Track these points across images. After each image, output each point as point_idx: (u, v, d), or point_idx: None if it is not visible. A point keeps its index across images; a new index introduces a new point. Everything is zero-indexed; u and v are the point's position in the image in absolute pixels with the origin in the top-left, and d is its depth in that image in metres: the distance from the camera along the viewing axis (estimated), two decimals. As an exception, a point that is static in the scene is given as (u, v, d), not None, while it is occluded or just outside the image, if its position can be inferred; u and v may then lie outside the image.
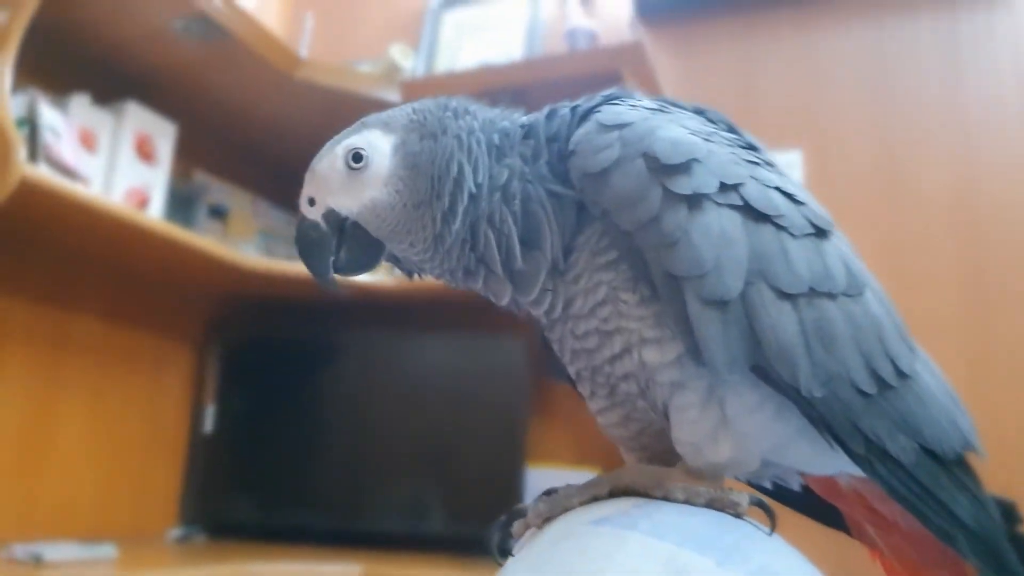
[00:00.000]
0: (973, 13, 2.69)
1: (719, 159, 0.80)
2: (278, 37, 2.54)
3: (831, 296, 0.78)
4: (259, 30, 2.43)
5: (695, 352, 0.74)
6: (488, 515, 0.87)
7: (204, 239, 2.44)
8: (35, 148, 2.03)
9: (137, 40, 2.38)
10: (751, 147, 0.88)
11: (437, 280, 0.92)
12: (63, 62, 2.38)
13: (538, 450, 2.73)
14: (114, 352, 2.57)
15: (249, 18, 2.40)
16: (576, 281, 0.84)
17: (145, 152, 2.43)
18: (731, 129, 0.90)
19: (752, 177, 0.81)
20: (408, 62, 2.78)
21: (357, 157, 0.87)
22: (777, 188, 0.82)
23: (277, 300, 2.86)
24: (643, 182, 0.77)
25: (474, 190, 0.85)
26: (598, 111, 0.84)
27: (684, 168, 0.78)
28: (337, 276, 0.89)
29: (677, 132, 0.81)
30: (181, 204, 2.64)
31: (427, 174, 0.86)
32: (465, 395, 2.72)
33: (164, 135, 2.50)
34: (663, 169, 0.78)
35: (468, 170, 0.86)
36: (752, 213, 0.79)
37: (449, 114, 0.89)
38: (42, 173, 1.92)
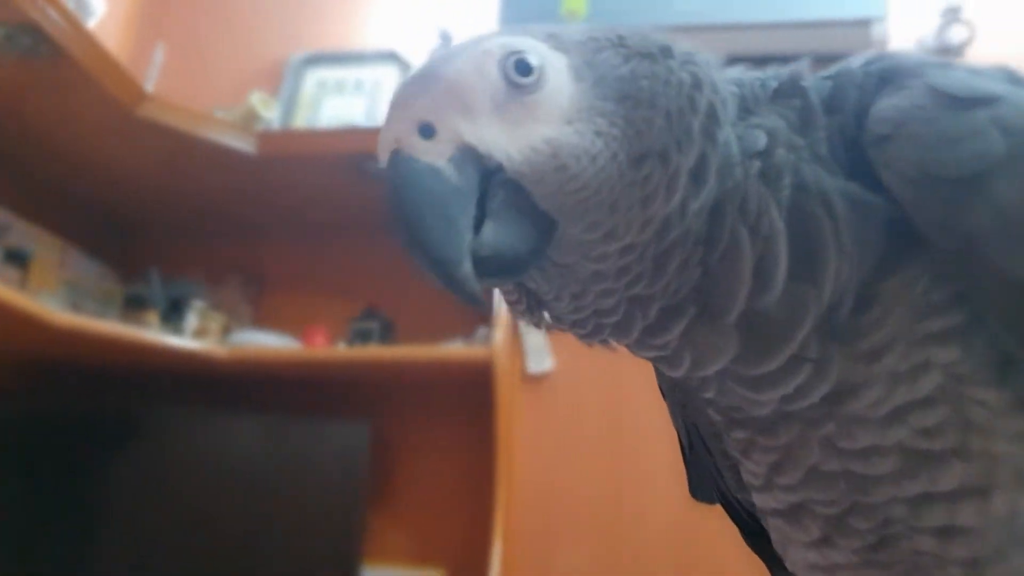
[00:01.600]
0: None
1: None
2: (122, 65, 2.23)
3: None
4: (100, 53, 2.12)
5: None
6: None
7: (-2, 285, 2.03)
8: None
9: (-59, 44, 2.00)
10: None
11: (573, 330, 0.57)
12: None
13: (376, 548, 2.45)
14: None
15: (89, 37, 2.09)
16: (874, 357, 0.52)
17: (-66, 176, 2.02)
18: None
19: None
20: (270, 112, 2.55)
21: (524, 67, 0.54)
22: None
23: (80, 365, 2.45)
24: None
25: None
26: (919, 75, 0.54)
27: None
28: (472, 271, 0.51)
29: None
30: (-28, 243, 2.21)
31: (655, 108, 0.53)
32: (293, 485, 2.40)
33: (-38, 159, 2.10)
34: None
35: (721, 110, 0.55)
36: None
37: (657, 37, 0.58)
38: None
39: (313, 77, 2.82)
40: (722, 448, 0.68)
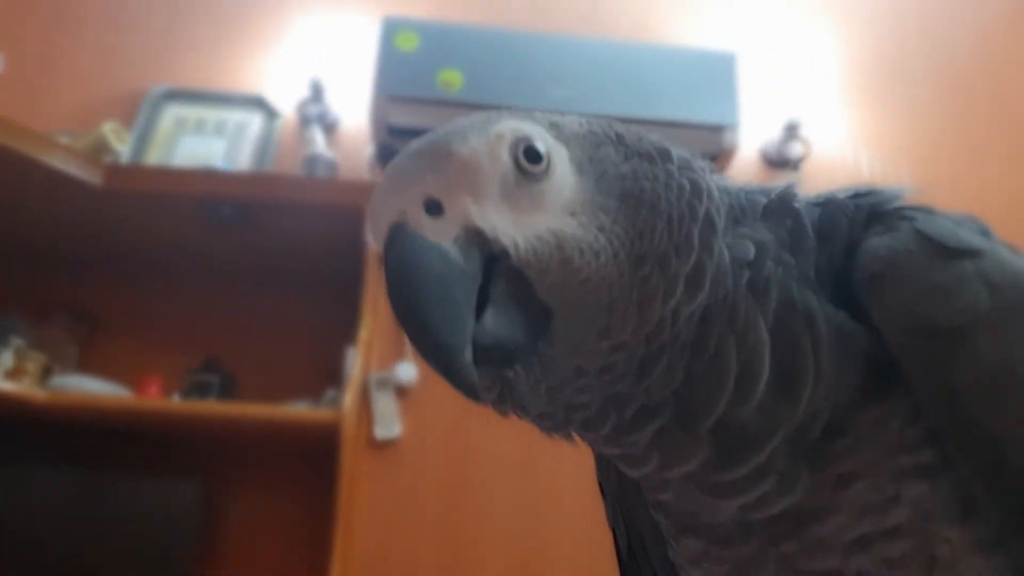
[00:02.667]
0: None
1: None
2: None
3: None
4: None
5: None
6: None
7: None
8: None
9: None
10: None
11: (539, 421, 0.55)
12: None
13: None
14: None
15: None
16: (844, 484, 0.53)
17: None
18: None
19: None
20: (123, 145, 2.40)
21: (534, 155, 0.53)
22: None
23: None
24: None
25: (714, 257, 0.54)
26: (908, 217, 0.56)
27: None
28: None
29: None
30: None
31: (657, 211, 0.54)
32: (114, 545, 2.21)
33: None
34: None
35: (718, 220, 0.55)
36: None
37: (654, 138, 0.58)
38: None
39: (172, 113, 2.69)
40: (665, 556, 0.66)
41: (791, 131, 2.79)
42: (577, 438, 0.59)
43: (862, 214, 0.58)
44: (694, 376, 0.53)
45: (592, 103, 2.62)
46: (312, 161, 2.59)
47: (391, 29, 2.65)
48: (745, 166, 2.81)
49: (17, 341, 2.32)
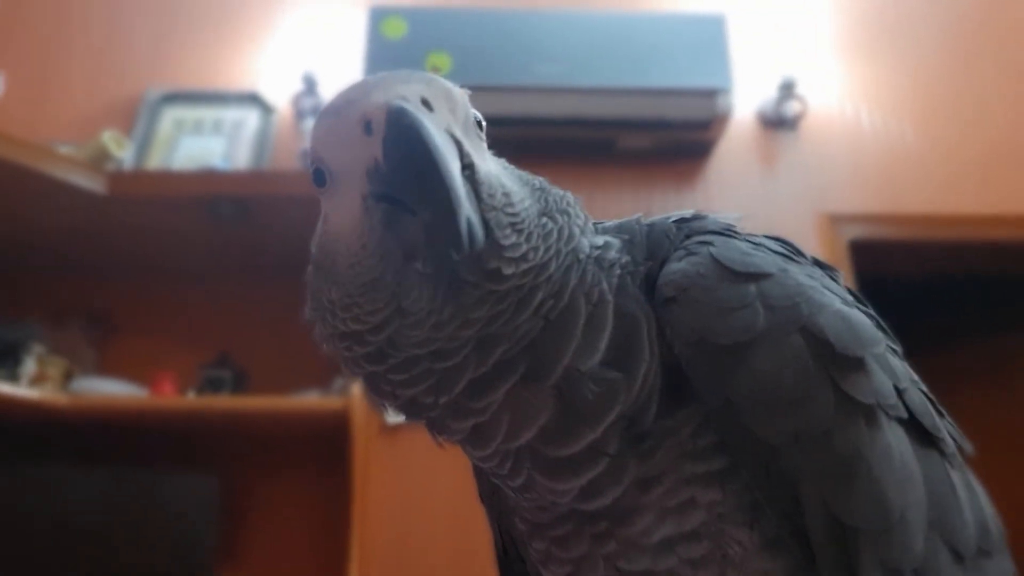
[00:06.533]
0: (665, 193, 2.96)
1: (884, 348, 0.60)
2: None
3: (988, 555, 0.60)
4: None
5: None
6: None
7: None
8: None
9: None
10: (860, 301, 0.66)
11: (395, 373, 0.58)
12: None
13: (226, 606, 2.36)
14: None
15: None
16: (646, 486, 0.57)
17: None
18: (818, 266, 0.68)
19: (911, 378, 0.61)
20: (123, 152, 2.45)
21: (480, 125, 0.62)
22: (918, 387, 0.63)
23: None
24: (807, 375, 0.56)
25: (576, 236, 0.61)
26: (708, 243, 0.61)
27: (860, 363, 0.57)
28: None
29: (836, 302, 0.59)
30: None
31: (544, 193, 0.62)
32: (138, 541, 2.29)
33: None
34: (836, 360, 0.56)
35: (582, 211, 0.63)
36: (918, 433, 0.59)
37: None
38: None
39: (170, 115, 2.74)
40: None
41: (787, 90, 2.76)
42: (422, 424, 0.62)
43: (680, 237, 0.63)
44: (550, 323, 0.57)
45: (582, 77, 2.62)
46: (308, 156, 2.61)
47: (378, 17, 2.67)
48: (742, 129, 2.79)
49: (38, 348, 2.40)
